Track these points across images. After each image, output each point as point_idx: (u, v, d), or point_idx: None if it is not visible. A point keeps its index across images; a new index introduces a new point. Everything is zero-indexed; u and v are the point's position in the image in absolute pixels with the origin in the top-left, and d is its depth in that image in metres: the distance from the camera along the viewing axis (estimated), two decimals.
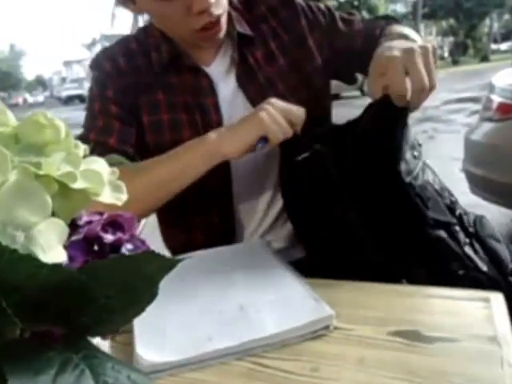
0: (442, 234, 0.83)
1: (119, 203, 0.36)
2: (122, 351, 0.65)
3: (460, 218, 0.88)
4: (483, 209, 3.74)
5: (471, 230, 0.89)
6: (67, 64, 79.92)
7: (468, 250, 0.84)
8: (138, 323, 0.65)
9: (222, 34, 1.02)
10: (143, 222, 1.43)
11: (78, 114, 26.54)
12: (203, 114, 1.06)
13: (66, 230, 0.33)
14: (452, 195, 0.92)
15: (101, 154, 0.37)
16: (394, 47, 0.83)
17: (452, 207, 0.88)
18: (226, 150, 0.89)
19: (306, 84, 1.09)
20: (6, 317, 0.33)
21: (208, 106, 1.06)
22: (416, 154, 0.87)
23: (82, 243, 0.43)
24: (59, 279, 0.31)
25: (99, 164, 0.38)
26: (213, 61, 1.09)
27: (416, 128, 8.15)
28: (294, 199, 0.97)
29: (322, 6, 1.15)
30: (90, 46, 51.60)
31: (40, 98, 46.25)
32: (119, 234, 0.47)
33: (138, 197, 0.86)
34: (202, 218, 1.12)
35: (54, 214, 0.36)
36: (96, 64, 1.11)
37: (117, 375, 0.34)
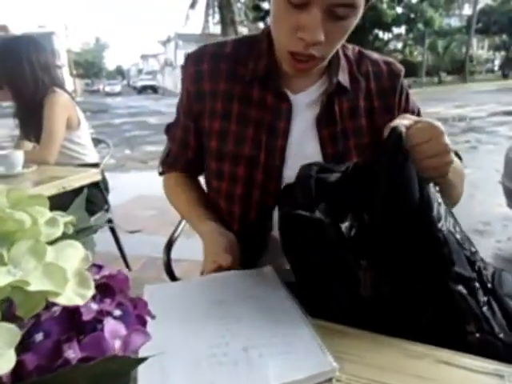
0: (463, 289, 0.72)
1: (81, 302, 0.30)
2: None
3: (479, 272, 0.78)
4: None
5: (490, 285, 0.78)
6: (144, 57, 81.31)
7: (486, 310, 0.74)
8: (142, 367, 0.60)
9: (307, 72, 0.96)
10: (180, 227, 1.39)
11: (150, 102, 27.17)
12: (270, 136, 1.01)
13: (17, 332, 0.28)
14: (472, 245, 0.81)
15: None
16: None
17: (472, 260, 0.78)
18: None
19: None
20: None
21: (278, 130, 1.00)
22: (440, 200, 0.77)
23: (61, 317, 0.38)
24: None
25: (72, 249, 0.32)
26: (302, 91, 1.03)
27: (459, 138, 7.87)
28: (295, 251, 0.84)
29: (415, 103, 1.11)
30: (164, 43, 52.28)
31: (117, 88, 46.84)
32: (106, 302, 0.41)
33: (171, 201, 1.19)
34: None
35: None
36: (184, 62, 1.09)
37: None
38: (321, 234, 0.76)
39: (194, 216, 1.09)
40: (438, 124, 0.77)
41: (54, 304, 0.40)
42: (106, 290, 0.43)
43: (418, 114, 1.08)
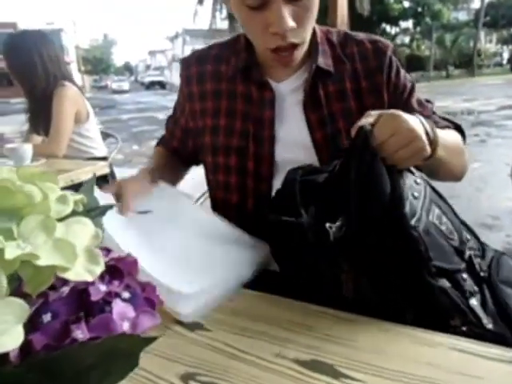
0: (445, 283, 0.71)
1: (90, 278, 0.30)
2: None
3: (470, 262, 0.77)
4: None
5: (483, 274, 0.77)
6: (152, 53, 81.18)
7: (474, 302, 0.73)
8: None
9: (293, 64, 0.98)
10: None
11: (158, 98, 27.17)
12: (257, 126, 1.03)
13: (26, 308, 0.27)
14: (467, 232, 0.82)
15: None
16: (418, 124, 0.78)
17: (461, 249, 0.77)
18: None
19: None
20: None
21: (264, 120, 1.02)
22: (416, 194, 0.76)
23: (69, 297, 0.38)
24: (6, 380, 0.25)
25: (81, 226, 0.32)
26: (285, 79, 1.05)
27: (468, 132, 7.73)
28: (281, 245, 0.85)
29: (409, 77, 1.08)
30: (172, 39, 52.22)
31: (125, 85, 46.15)
32: (115, 283, 0.41)
33: None
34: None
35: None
36: (183, 64, 1.16)
37: None
38: (303, 238, 0.76)
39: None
40: (399, 113, 0.77)
41: (63, 285, 0.39)
42: (114, 272, 0.42)
43: (412, 89, 1.07)
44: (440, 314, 0.71)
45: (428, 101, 1.10)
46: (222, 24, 27.08)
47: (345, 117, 1.01)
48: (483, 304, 0.74)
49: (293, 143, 1.02)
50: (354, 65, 1.04)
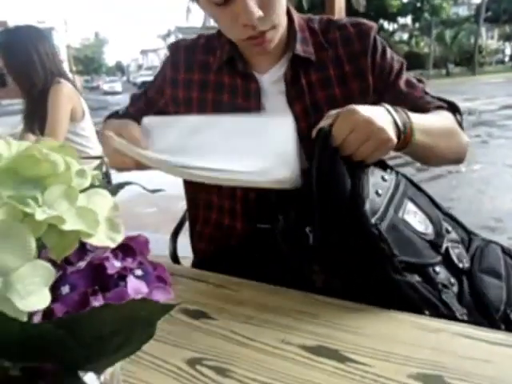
0: (415, 278, 0.73)
1: (112, 245, 0.32)
2: (135, 357, 0.63)
3: (447, 254, 0.79)
4: None
5: (462, 265, 0.80)
6: (144, 52, 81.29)
7: (447, 294, 0.75)
8: None
9: (269, 47, 0.99)
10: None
11: None
12: None
13: (52, 271, 0.30)
14: (448, 224, 0.85)
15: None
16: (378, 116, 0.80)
17: (437, 242, 0.79)
18: None
19: None
20: None
21: (250, 109, 1.03)
22: (380, 191, 0.79)
23: (86, 271, 0.40)
24: (33, 333, 0.27)
25: (101, 197, 0.34)
26: (267, 71, 1.06)
27: (469, 132, 7.76)
28: None
29: (396, 57, 1.08)
30: (165, 37, 52.32)
31: (117, 86, 45.54)
32: (128, 260, 0.43)
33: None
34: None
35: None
36: (167, 51, 1.17)
37: None
38: (279, 243, 0.82)
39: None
40: (356, 108, 0.79)
41: (79, 260, 0.42)
42: (127, 250, 0.44)
43: (400, 70, 1.07)
44: (410, 309, 0.73)
45: (420, 80, 1.10)
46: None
47: (329, 105, 1.00)
48: (460, 295, 0.76)
49: None
50: (336, 50, 1.05)
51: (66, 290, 0.38)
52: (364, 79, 1.04)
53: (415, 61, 29.52)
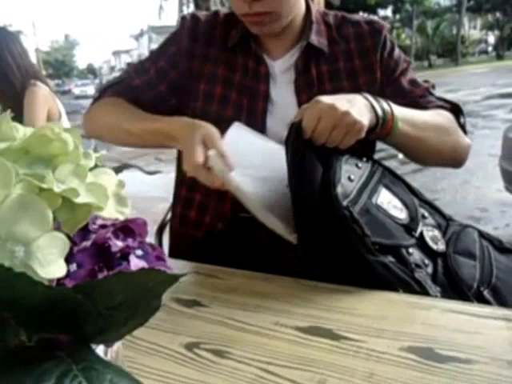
0: (388, 258, 0.79)
1: (121, 217, 0.35)
2: (134, 344, 0.66)
3: (421, 237, 0.86)
4: None
5: (436, 247, 0.85)
6: (116, 54, 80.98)
7: (420, 273, 0.80)
8: None
9: (266, 28, 1.04)
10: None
11: None
12: (251, 99, 1.08)
13: (68, 243, 0.33)
14: (422, 210, 0.91)
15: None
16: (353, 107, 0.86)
17: (411, 226, 0.86)
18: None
19: None
20: (7, 326, 0.33)
21: (258, 93, 1.08)
22: (352, 177, 0.85)
23: (91, 250, 0.43)
24: (55, 297, 0.31)
25: (107, 175, 0.38)
26: (280, 57, 1.11)
27: None
28: None
29: (404, 57, 1.15)
30: (137, 37, 52.13)
31: (89, 90, 44.91)
32: (129, 241, 0.47)
33: (108, 126, 1.12)
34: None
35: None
36: (181, 20, 1.17)
37: None
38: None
39: (151, 119, 1.06)
40: (319, 98, 0.85)
41: (82, 240, 0.45)
42: (127, 231, 0.48)
43: (405, 69, 1.13)
44: (385, 288, 0.78)
45: (426, 81, 1.16)
46: None
47: None
48: (434, 275, 0.82)
49: (285, 123, 1.02)
50: (348, 44, 1.11)
51: (73, 267, 0.42)
52: (372, 74, 1.10)
53: None
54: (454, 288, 0.81)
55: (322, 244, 0.82)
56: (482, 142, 6.48)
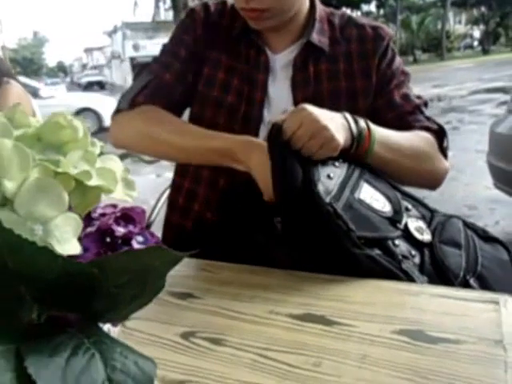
0: (375, 251, 0.84)
1: (130, 200, 0.39)
2: (131, 335, 0.69)
3: (406, 229, 0.90)
4: (505, 204, 3.72)
5: (421, 237, 0.90)
6: (88, 51, 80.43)
7: (407, 264, 0.85)
8: None
9: (264, 23, 1.08)
10: (156, 211, 1.47)
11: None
12: (251, 88, 1.12)
13: (81, 223, 0.36)
14: (405, 203, 0.96)
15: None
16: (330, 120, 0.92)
17: (395, 218, 0.91)
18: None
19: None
20: (24, 302, 0.37)
21: (257, 82, 1.12)
22: (332, 175, 0.91)
23: (96, 235, 0.47)
24: (72, 271, 0.34)
25: (113, 162, 0.41)
26: (280, 52, 1.15)
27: (439, 119, 7.98)
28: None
29: (403, 69, 1.19)
30: (110, 34, 51.81)
31: (59, 88, 44.02)
32: (130, 227, 0.50)
33: (145, 136, 1.11)
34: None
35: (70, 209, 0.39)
36: (190, 11, 1.21)
37: (124, 360, 0.37)
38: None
39: (206, 136, 1.06)
40: (305, 106, 0.91)
41: (86, 226, 0.48)
42: (127, 218, 0.51)
43: (402, 82, 1.17)
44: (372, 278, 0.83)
45: (419, 97, 1.20)
46: (167, 15, 27.01)
47: (332, 98, 1.11)
48: (421, 266, 0.87)
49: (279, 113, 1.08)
50: (349, 46, 1.15)
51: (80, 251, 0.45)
52: (369, 78, 1.14)
53: None
54: (441, 277, 0.86)
55: (308, 241, 0.87)
56: (469, 137, 6.59)
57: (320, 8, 1.17)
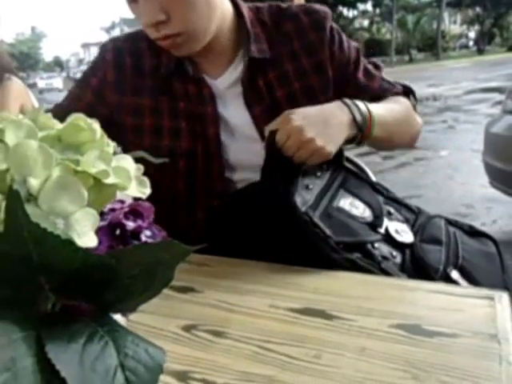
0: (356, 255, 0.87)
1: (144, 196, 0.41)
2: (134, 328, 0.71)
3: (387, 232, 0.93)
4: (502, 203, 3.75)
5: (402, 239, 0.93)
6: (85, 46, 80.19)
7: (386, 264, 0.87)
8: None
9: (181, 52, 1.02)
10: None
11: None
12: (202, 124, 1.05)
13: (98, 218, 0.38)
14: (388, 207, 1.00)
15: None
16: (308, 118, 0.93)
17: (376, 223, 0.94)
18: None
19: None
20: (43, 291, 0.39)
21: (207, 117, 1.05)
22: (311, 186, 0.95)
23: (107, 229, 0.49)
24: (92, 261, 0.36)
25: (127, 161, 0.43)
26: (221, 75, 1.08)
27: (435, 118, 8.13)
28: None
29: (353, 44, 1.14)
30: (109, 29, 51.73)
31: (56, 83, 43.50)
32: (139, 222, 0.52)
33: None
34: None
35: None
36: (102, 50, 1.12)
37: (136, 348, 0.40)
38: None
39: None
40: (290, 116, 0.92)
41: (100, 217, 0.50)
42: (136, 213, 0.53)
43: (357, 60, 1.13)
44: None
45: (376, 66, 1.19)
46: None
47: (290, 102, 1.05)
48: (402, 265, 0.90)
49: (243, 139, 1.07)
50: (291, 44, 1.08)
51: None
52: (324, 72, 1.09)
53: (376, 48, 30.16)
54: (421, 273, 0.89)
55: (289, 249, 0.91)
56: (464, 136, 6.61)
57: (246, 11, 1.08)
